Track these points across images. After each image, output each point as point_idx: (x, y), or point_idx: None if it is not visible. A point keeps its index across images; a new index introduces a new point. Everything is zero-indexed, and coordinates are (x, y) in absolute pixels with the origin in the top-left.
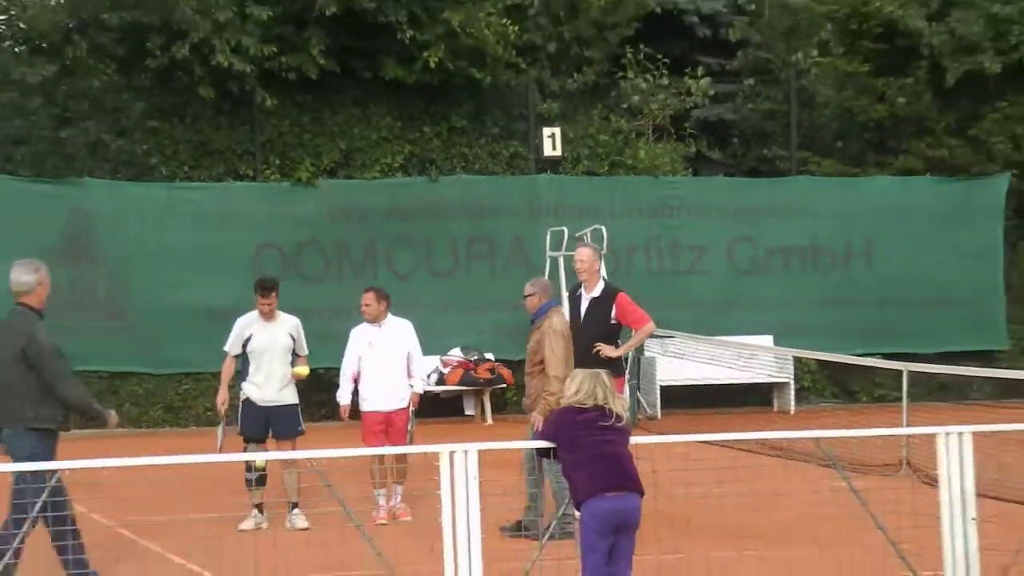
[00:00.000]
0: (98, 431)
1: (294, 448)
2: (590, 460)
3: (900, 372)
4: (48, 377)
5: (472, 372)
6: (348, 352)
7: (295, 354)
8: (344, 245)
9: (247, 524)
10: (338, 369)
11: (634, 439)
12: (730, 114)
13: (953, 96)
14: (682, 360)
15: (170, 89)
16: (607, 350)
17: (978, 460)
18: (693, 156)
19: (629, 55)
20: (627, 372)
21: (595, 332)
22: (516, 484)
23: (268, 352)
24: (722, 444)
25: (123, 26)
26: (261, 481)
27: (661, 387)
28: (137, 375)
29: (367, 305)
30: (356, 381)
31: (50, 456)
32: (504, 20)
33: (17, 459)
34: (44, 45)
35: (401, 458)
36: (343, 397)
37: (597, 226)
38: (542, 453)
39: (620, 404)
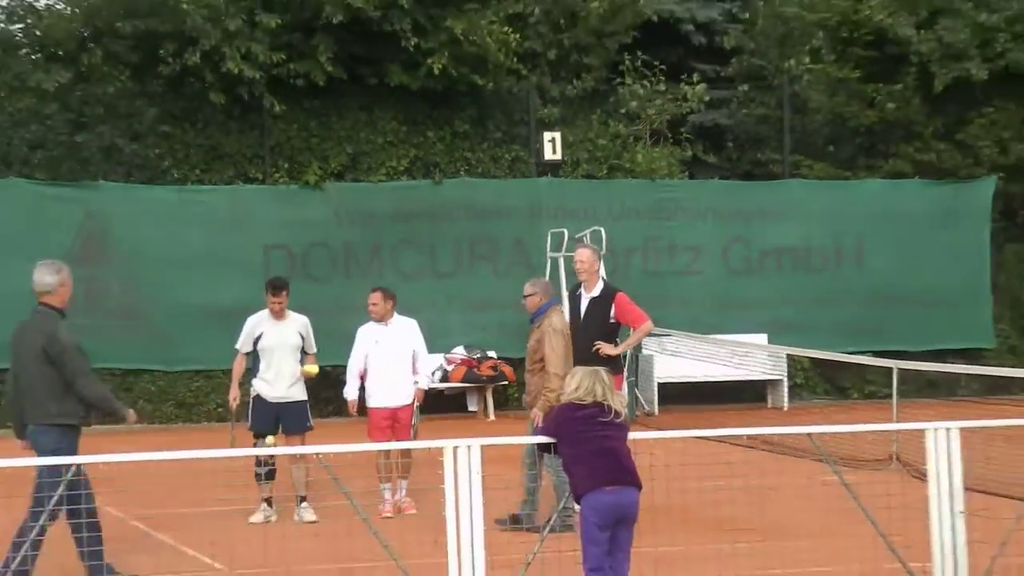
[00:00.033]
0: (113, 427)
1: (303, 443)
2: (589, 455)
3: (890, 369)
4: (69, 374)
5: (475, 370)
6: (355, 350)
7: (304, 352)
8: (351, 246)
9: (257, 517)
10: (345, 366)
11: (632, 435)
12: (725, 119)
13: (941, 102)
14: (679, 358)
15: (182, 95)
16: (606, 348)
17: (966, 455)
18: (689, 160)
19: (627, 62)
20: (625, 369)
21: (595, 331)
22: (518, 479)
23: (278, 350)
24: (717, 439)
25: (136, 34)
26: (270, 475)
27: (658, 384)
28: (150, 372)
29: (374, 304)
30: (362, 378)
31: (73, 451)
32: (505, 28)
33: (41, 454)
34: (60, 53)
35: (406, 453)
36: (350, 393)
37: (596, 228)
38: (543, 448)
39: (619, 400)
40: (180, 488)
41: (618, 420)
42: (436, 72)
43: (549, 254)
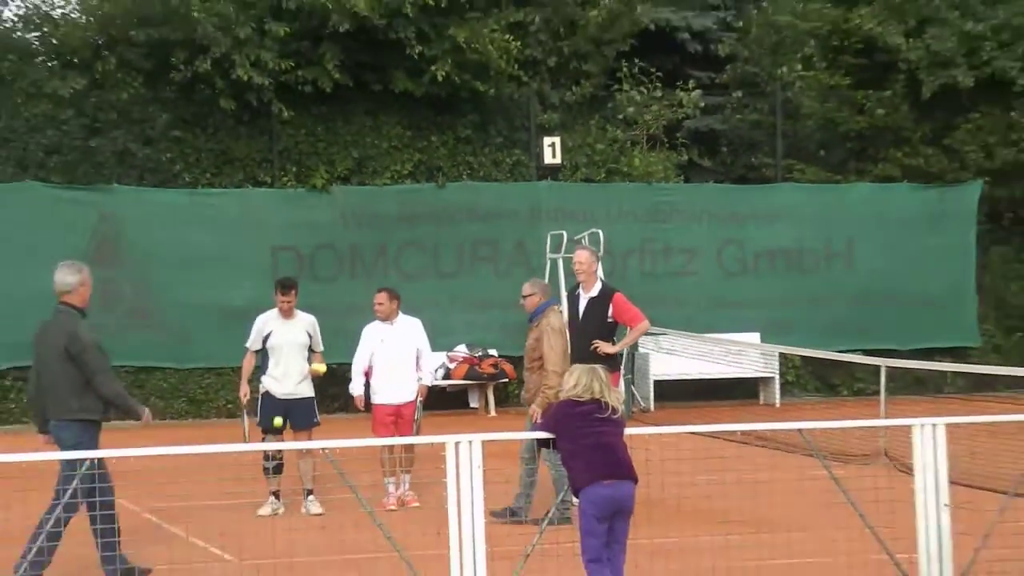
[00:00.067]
0: (126, 423)
1: (310, 439)
2: (587, 449)
3: (879, 367)
4: (88, 372)
5: (476, 367)
6: (360, 347)
7: (311, 350)
8: (356, 248)
9: (265, 510)
10: (350, 364)
11: (629, 430)
12: (719, 124)
13: (929, 108)
14: (674, 356)
15: (193, 101)
16: (605, 347)
17: (951, 450)
18: (685, 164)
19: (624, 69)
20: (622, 367)
21: (593, 330)
22: (518, 473)
23: (286, 348)
24: (711, 435)
25: (149, 42)
26: (278, 469)
27: (654, 381)
28: (162, 370)
29: (380, 304)
30: (367, 375)
31: (93, 445)
32: (507, 36)
33: (63, 449)
34: (75, 60)
35: (409, 448)
36: (356, 389)
37: (594, 230)
38: (542, 443)
39: (615, 397)
40: (191, 482)
41: (615, 416)
42: (439, 79)
43: (549, 255)
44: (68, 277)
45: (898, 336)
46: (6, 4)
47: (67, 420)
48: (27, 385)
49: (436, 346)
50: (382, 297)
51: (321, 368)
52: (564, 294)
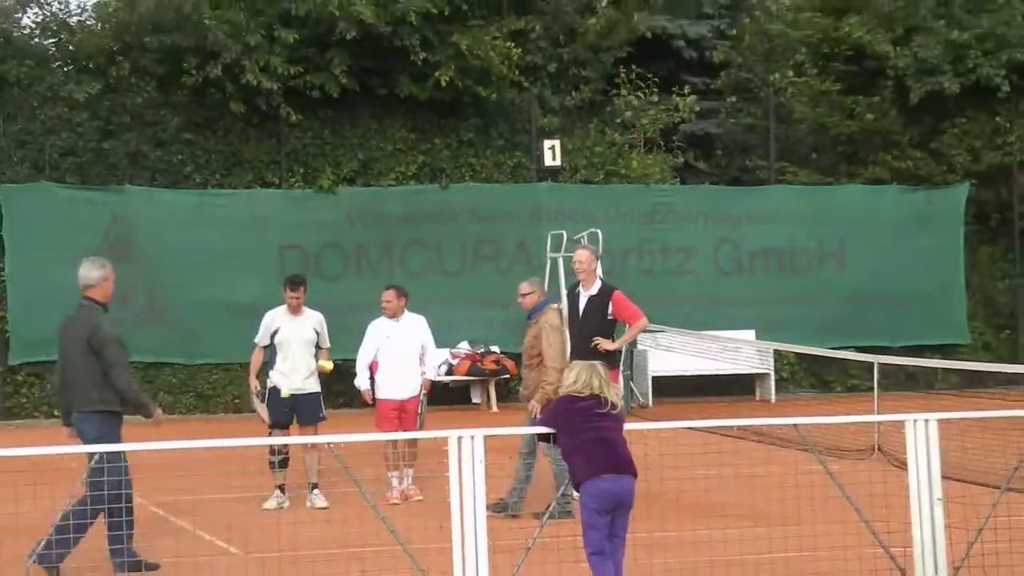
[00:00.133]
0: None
1: (316, 433)
2: (587, 444)
3: (871, 364)
4: (106, 364)
5: (478, 363)
6: (365, 343)
7: (318, 347)
8: (362, 247)
9: (270, 503)
10: (355, 361)
11: (628, 425)
12: (714, 128)
13: (916, 113)
14: (672, 353)
15: (204, 105)
16: (604, 344)
17: (943, 445)
18: (681, 166)
19: (622, 75)
20: (621, 363)
21: (593, 327)
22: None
23: (294, 344)
24: (708, 430)
25: (162, 48)
26: (284, 463)
27: (652, 377)
28: (171, 365)
29: (388, 301)
30: (372, 370)
31: (115, 437)
32: (508, 43)
33: (87, 442)
34: (90, 65)
35: (412, 443)
36: (363, 384)
37: (593, 230)
38: (542, 438)
39: (615, 393)
40: (198, 476)
41: (614, 411)
42: (443, 84)
43: (549, 254)
44: (92, 272)
45: (889, 334)
46: (24, 11)
47: (88, 412)
48: (53, 378)
49: (439, 343)
50: (390, 295)
51: (328, 364)
52: (564, 292)
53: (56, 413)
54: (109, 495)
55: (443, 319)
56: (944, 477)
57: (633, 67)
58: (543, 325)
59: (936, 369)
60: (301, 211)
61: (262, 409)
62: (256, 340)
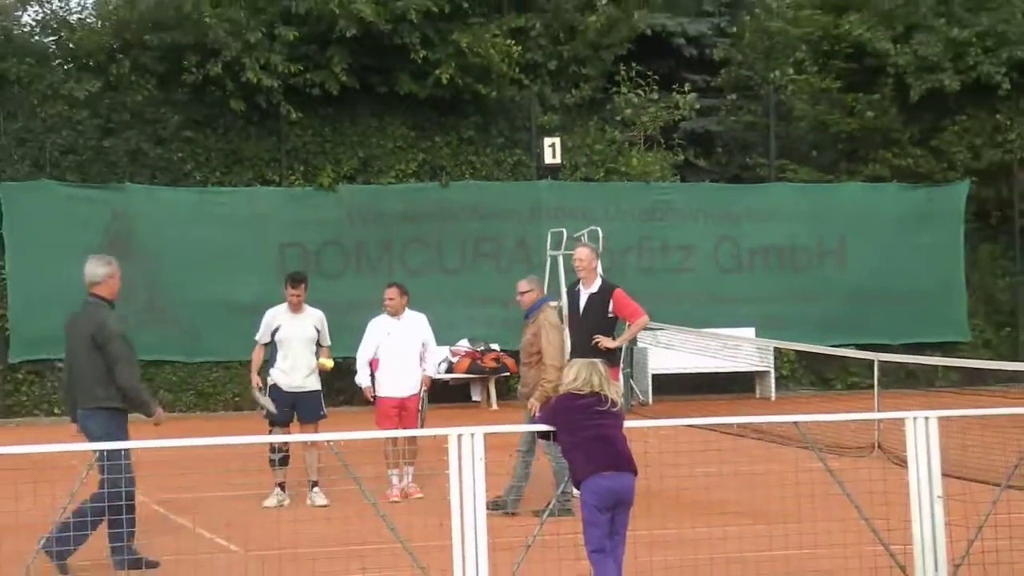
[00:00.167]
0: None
1: (316, 431)
2: (587, 442)
3: (872, 362)
4: (111, 361)
5: (479, 361)
6: (365, 340)
7: (319, 344)
8: (362, 245)
9: (270, 501)
10: (355, 358)
11: (628, 423)
12: (714, 126)
13: (917, 110)
14: (672, 351)
15: (204, 103)
16: (605, 341)
17: (944, 442)
18: (681, 164)
19: (622, 72)
20: (621, 361)
21: (593, 325)
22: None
23: (295, 342)
24: (708, 428)
25: (162, 46)
26: (284, 461)
27: (652, 375)
28: (171, 363)
29: (391, 299)
30: (372, 367)
31: (122, 433)
32: (508, 41)
33: (92, 439)
34: (91, 63)
35: (412, 440)
36: (364, 380)
37: (594, 227)
38: (542, 436)
39: (615, 391)
40: (198, 473)
41: (614, 409)
42: (443, 82)
43: (549, 252)
44: (98, 269)
45: (890, 331)
46: (25, 9)
47: (92, 409)
48: (62, 375)
49: (439, 340)
50: (393, 292)
51: (328, 363)
52: (564, 290)
53: (57, 411)
54: (110, 493)
55: (443, 317)
56: (944, 475)
57: (633, 65)
58: (542, 323)
59: (936, 367)
60: (301, 209)
61: (266, 401)
62: (257, 338)
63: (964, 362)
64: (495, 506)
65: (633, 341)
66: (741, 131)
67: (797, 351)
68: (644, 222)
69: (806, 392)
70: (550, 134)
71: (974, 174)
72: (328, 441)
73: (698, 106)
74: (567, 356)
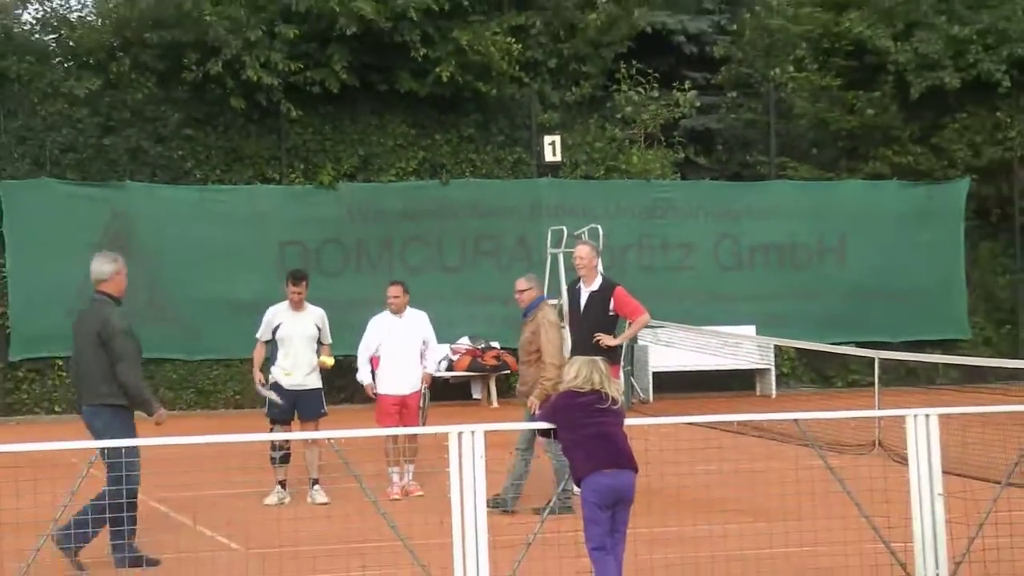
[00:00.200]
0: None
1: (317, 429)
2: (588, 439)
3: (872, 359)
4: (113, 357)
5: (479, 359)
6: (366, 337)
7: (320, 342)
8: (362, 243)
9: (271, 499)
10: (355, 356)
11: (628, 421)
12: (715, 124)
13: (917, 108)
14: (672, 348)
15: (204, 101)
16: (606, 339)
17: (944, 440)
18: (681, 162)
19: (623, 70)
20: (622, 359)
21: (594, 323)
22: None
23: (296, 339)
24: (709, 425)
25: (162, 44)
26: (285, 459)
27: (653, 373)
28: (171, 361)
29: (396, 297)
30: (372, 365)
31: (127, 430)
32: (508, 39)
33: (97, 436)
34: (91, 61)
35: (412, 438)
36: (365, 377)
37: (594, 225)
38: (543, 433)
39: (615, 388)
40: (199, 471)
41: (615, 407)
42: (443, 79)
43: (549, 250)
44: (104, 266)
45: (890, 329)
46: (25, 7)
47: (97, 405)
48: (71, 371)
49: (440, 338)
50: (397, 290)
51: (329, 360)
52: (564, 288)
53: (57, 409)
54: (114, 491)
55: (443, 315)
56: (945, 472)
57: (633, 62)
58: (541, 321)
59: (937, 364)
60: (301, 207)
61: (270, 393)
62: (258, 335)
63: (964, 360)
64: (495, 504)
65: (634, 339)
66: (741, 129)
67: (797, 349)
68: (644, 220)
69: (806, 390)
70: (550, 132)
71: (974, 172)
72: (329, 439)
73: (698, 104)
74: (567, 354)
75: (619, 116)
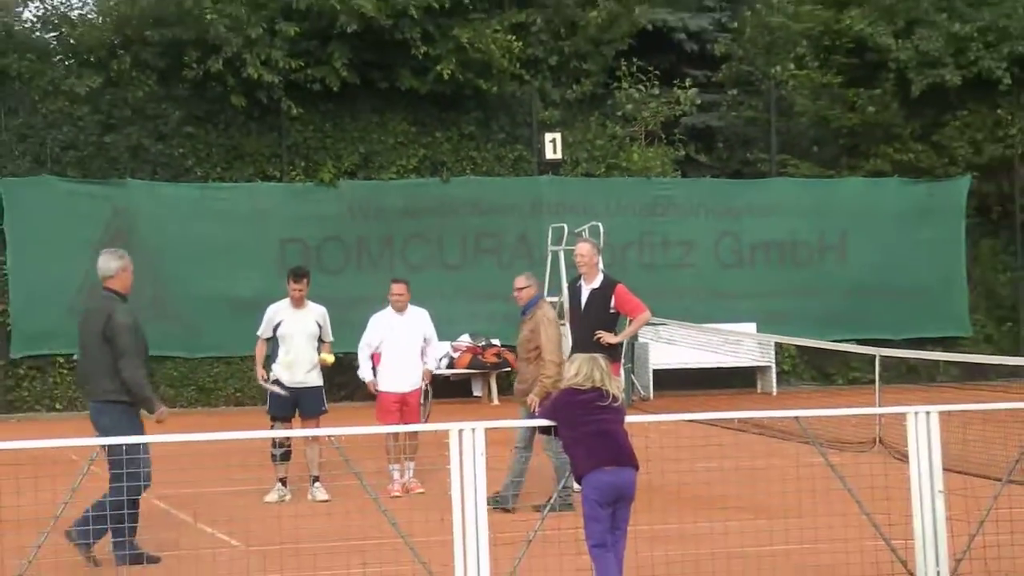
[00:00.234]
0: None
1: (318, 426)
2: (589, 437)
3: (873, 356)
4: (117, 353)
5: (480, 357)
6: (367, 334)
7: (321, 340)
8: (363, 240)
9: (272, 496)
10: (356, 354)
11: (629, 418)
12: (715, 121)
13: (918, 105)
14: (673, 346)
15: (205, 98)
16: (607, 337)
17: (944, 437)
18: (682, 159)
19: (623, 68)
20: (622, 357)
21: (595, 320)
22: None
23: (297, 337)
24: (709, 423)
25: (163, 42)
26: (285, 456)
27: (654, 370)
28: (172, 359)
29: (400, 295)
30: (373, 362)
31: (132, 427)
32: (509, 36)
33: (102, 432)
34: (92, 59)
35: (413, 435)
36: (367, 374)
37: (595, 223)
38: (543, 431)
39: (616, 386)
40: (199, 469)
41: (615, 404)
42: (444, 77)
43: (550, 248)
44: (110, 263)
45: (891, 326)
46: (25, 5)
47: (102, 402)
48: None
49: (440, 336)
50: (401, 288)
51: (330, 358)
52: (565, 285)
53: (58, 406)
54: (118, 488)
55: (444, 312)
56: (945, 469)
57: (634, 60)
58: (540, 319)
59: (937, 361)
60: (302, 204)
61: (273, 386)
62: (259, 333)
63: (965, 357)
64: (495, 502)
65: (634, 336)
66: (742, 126)
67: (798, 346)
68: (645, 218)
69: (807, 387)
70: (551, 129)
71: (975, 169)
72: (329, 436)
73: (699, 101)
74: (567, 352)
75: (620, 114)
